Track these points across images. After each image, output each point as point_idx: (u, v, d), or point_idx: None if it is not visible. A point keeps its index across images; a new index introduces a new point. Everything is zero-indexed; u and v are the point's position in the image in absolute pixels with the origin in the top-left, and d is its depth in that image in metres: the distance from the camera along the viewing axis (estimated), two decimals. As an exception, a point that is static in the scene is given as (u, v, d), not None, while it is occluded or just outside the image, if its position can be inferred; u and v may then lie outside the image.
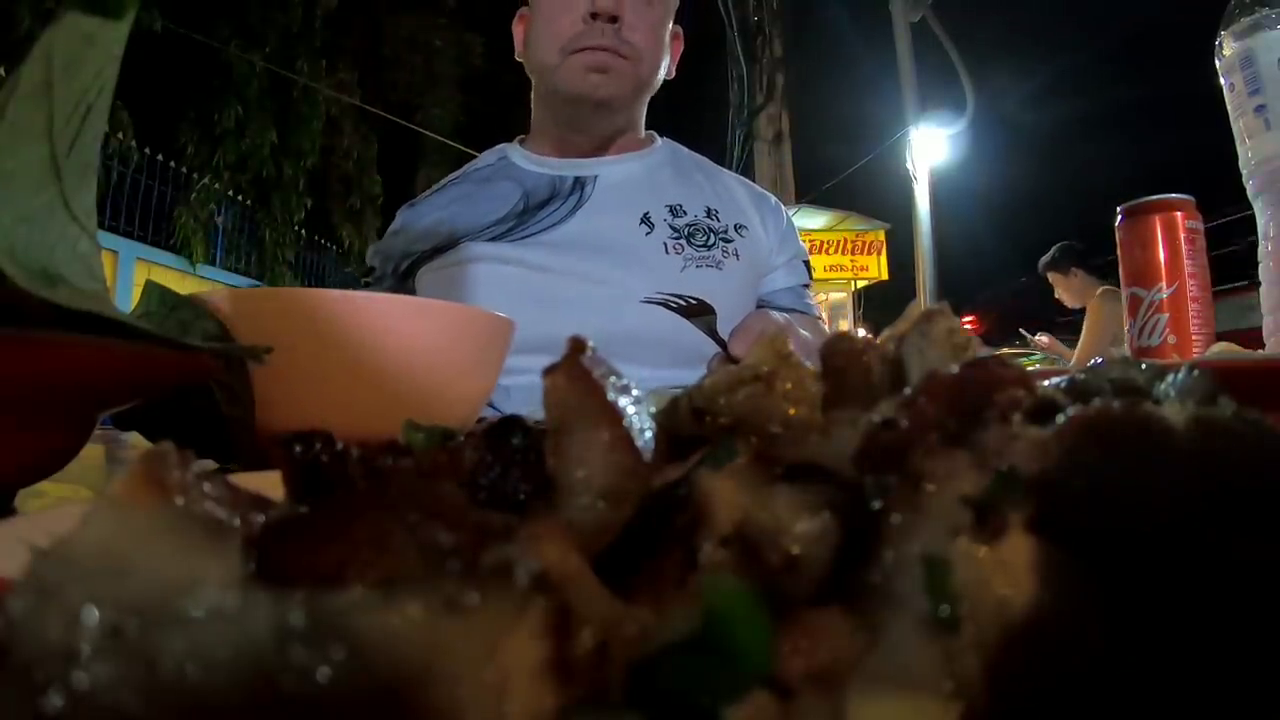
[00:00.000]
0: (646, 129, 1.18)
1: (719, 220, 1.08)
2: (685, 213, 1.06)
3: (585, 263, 1.01)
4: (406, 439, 0.20)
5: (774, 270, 1.12)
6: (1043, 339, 3.77)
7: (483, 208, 1.07)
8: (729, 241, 1.06)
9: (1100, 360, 0.21)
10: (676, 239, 1.04)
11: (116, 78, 0.35)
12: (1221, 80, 0.69)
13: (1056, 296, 3.54)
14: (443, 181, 1.18)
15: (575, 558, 0.12)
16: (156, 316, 0.42)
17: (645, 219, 1.05)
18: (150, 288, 0.44)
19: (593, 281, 0.99)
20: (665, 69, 1.09)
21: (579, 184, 1.08)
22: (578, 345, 0.17)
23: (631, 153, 1.12)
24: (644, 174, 1.10)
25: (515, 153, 1.14)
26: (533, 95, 1.13)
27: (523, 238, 1.04)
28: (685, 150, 1.20)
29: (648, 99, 1.11)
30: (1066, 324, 3.70)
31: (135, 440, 0.46)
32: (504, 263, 1.02)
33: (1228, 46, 0.67)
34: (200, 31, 6.83)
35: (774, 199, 1.19)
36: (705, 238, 1.05)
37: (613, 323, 0.97)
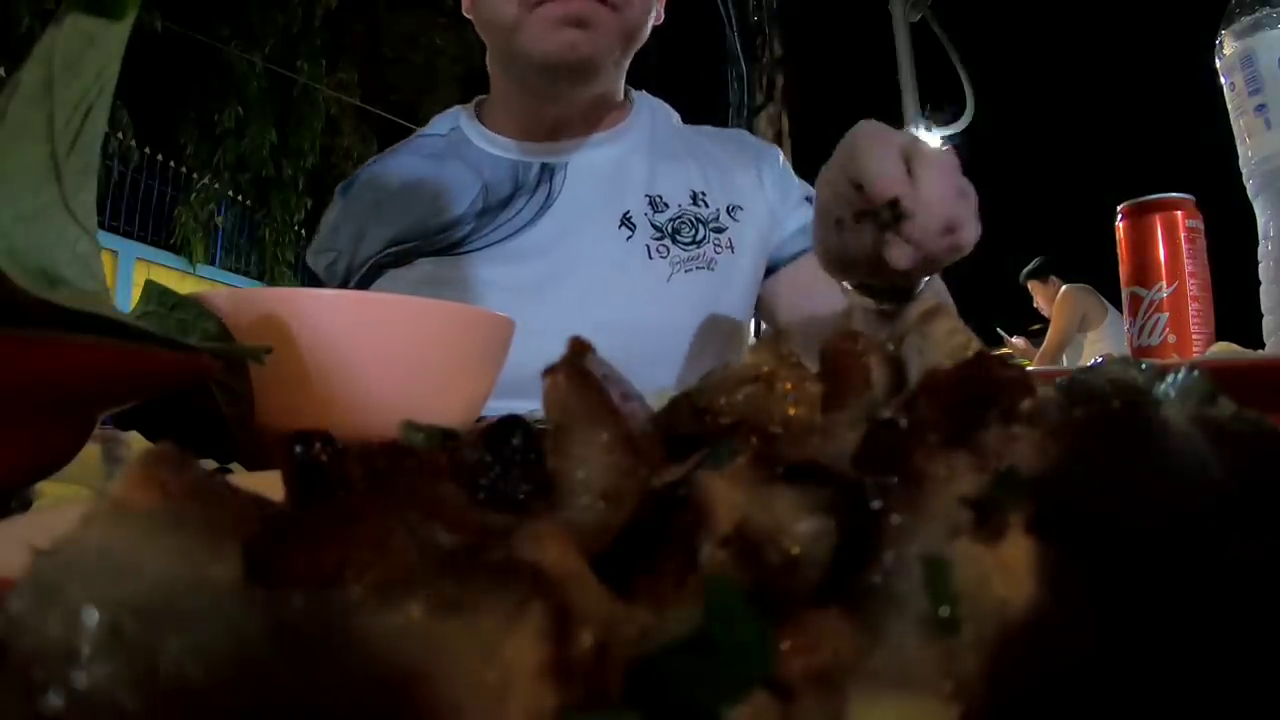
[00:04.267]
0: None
1: (707, 205, 0.93)
2: (667, 205, 0.92)
3: (558, 279, 0.87)
4: (406, 439, 0.20)
5: (782, 223, 0.96)
6: (1019, 341, 3.91)
7: (434, 204, 0.91)
8: (720, 230, 0.92)
9: (1100, 359, 0.21)
10: (660, 239, 0.90)
11: (117, 78, 0.35)
12: (1221, 80, 0.68)
13: (1035, 305, 3.79)
14: (383, 154, 1.00)
15: (575, 558, 0.12)
16: (156, 316, 0.42)
17: (625, 220, 0.90)
18: (150, 288, 0.44)
19: (567, 306, 0.85)
20: (654, 13, 0.88)
21: (546, 173, 0.91)
22: (578, 346, 0.17)
23: (607, 131, 0.95)
24: (620, 159, 0.94)
25: (471, 128, 0.96)
26: (488, 59, 0.93)
27: (484, 246, 0.89)
28: (664, 115, 1.01)
29: (632, 55, 0.90)
30: (1038, 332, 3.93)
31: (135, 440, 0.46)
32: (463, 287, 0.86)
33: (1228, 46, 0.67)
34: (200, 31, 6.84)
35: (760, 143, 1.05)
36: (693, 231, 0.91)
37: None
